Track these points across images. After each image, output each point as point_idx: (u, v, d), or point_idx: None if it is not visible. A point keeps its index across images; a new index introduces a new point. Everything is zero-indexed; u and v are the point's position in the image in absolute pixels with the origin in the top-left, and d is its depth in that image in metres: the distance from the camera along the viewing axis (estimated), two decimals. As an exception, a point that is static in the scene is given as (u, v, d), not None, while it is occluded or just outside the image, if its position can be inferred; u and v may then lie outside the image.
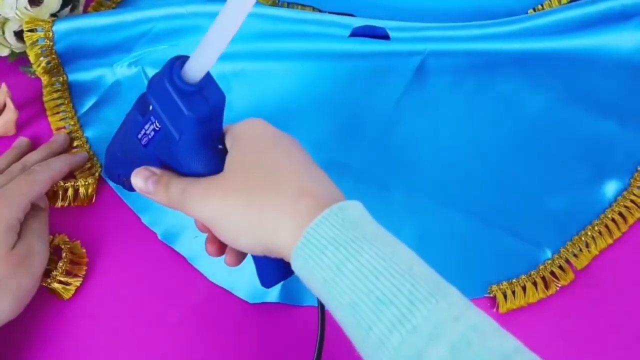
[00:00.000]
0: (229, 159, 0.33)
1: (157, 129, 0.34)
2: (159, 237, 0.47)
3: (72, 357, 0.42)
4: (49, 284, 0.43)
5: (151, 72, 0.54)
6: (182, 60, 0.32)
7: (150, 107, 0.34)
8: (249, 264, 0.45)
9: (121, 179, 0.40)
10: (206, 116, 0.33)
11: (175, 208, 0.34)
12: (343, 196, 0.32)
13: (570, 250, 0.44)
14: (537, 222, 0.46)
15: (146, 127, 0.35)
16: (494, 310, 0.42)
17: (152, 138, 0.35)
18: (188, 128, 0.33)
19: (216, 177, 0.33)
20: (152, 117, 0.34)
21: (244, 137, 0.34)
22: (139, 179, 0.35)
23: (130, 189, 0.37)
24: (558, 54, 0.53)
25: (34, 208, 0.44)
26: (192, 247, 0.46)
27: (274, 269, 0.34)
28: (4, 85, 0.52)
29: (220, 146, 0.35)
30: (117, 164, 0.41)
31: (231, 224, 0.32)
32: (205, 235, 0.38)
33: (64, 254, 0.44)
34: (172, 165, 0.35)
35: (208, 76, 0.32)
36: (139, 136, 0.36)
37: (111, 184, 0.50)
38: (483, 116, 0.51)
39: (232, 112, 0.52)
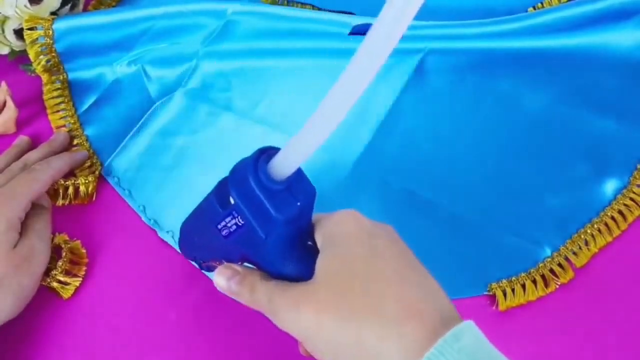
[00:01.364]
0: (320, 264, 0.30)
1: (239, 224, 0.31)
2: (159, 235, 0.47)
3: (72, 356, 0.42)
4: (48, 283, 0.43)
5: (151, 70, 0.55)
6: (268, 153, 0.29)
7: (232, 201, 0.30)
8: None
9: (198, 261, 0.39)
10: (296, 216, 0.29)
11: (262, 313, 0.32)
12: (453, 308, 0.28)
13: (570, 248, 0.44)
14: (537, 220, 0.46)
15: (227, 220, 0.31)
16: (494, 308, 0.42)
17: (234, 232, 0.32)
18: (276, 229, 0.29)
19: (307, 286, 0.29)
20: (234, 212, 0.30)
21: (337, 237, 0.30)
22: (221, 278, 0.33)
23: (209, 270, 0.35)
24: (558, 52, 0.53)
25: (36, 207, 0.44)
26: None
27: None
28: (4, 83, 0.52)
29: (309, 242, 0.32)
30: (194, 247, 0.38)
31: (325, 343, 0.28)
32: None
33: (63, 254, 0.44)
34: (256, 261, 0.33)
35: (298, 170, 0.29)
36: (219, 227, 0.32)
37: (110, 181, 0.50)
38: (483, 114, 0.51)
39: (232, 111, 0.53)
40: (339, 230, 0.30)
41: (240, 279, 0.32)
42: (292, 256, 0.31)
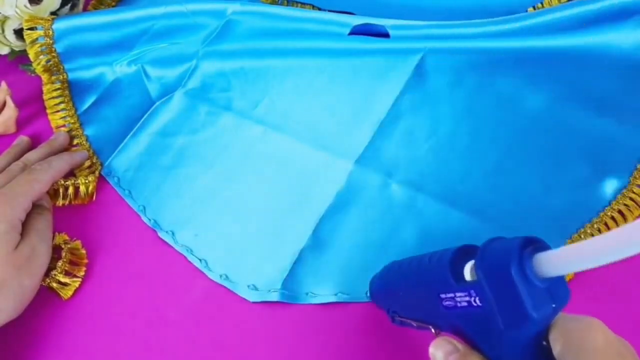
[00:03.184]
0: None
1: (474, 304, 0.29)
2: (159, 235, 0.47)
3: (72, 356, 0.42)
4: (47, 283, 0.43)
5: (151, 70, 0.55)
6: (535, 246, 0.27)
7: (470, 278, 0.29)
8: (247, 261, 0.45)
9: (390, 312, 0.37)
10: (549, 318, 0.28)
11: None
12: None
13: (570, 248, 0.44)
14: (537, 220, 0.46)
15: (458, 294, 0.29)
16: (494, 308, 0.42)
17: (461, 308, 0.29)
18: (524, 326, 0.27)
19: None
20: (472, 291, 0.28)
21: (582, 349, 0.27)
22: (439, 351, 0.31)
23: (401, 325, 0.34)
24: (558, 52, 0.53)
25: (38, 208, 0.44)
26: (192, 245, 0.46)
27: None
28: (4, 83, 0.52)
29: (544, 342, 0.29)
30: (393, 298, 0.36)
31: None
32: None
33: (63, 254, 0.44)
34: (473, 339, 0.30)
35: None
36: (442, 296, 0.30)
37: (110, 181, 0.50)
38: (482, 114, 0.51)
39: (232, 111, 0.53)
40: (585, 342, 0.27)
41: (460, 358, 0.30)
42: (523, 353, 0.29)
